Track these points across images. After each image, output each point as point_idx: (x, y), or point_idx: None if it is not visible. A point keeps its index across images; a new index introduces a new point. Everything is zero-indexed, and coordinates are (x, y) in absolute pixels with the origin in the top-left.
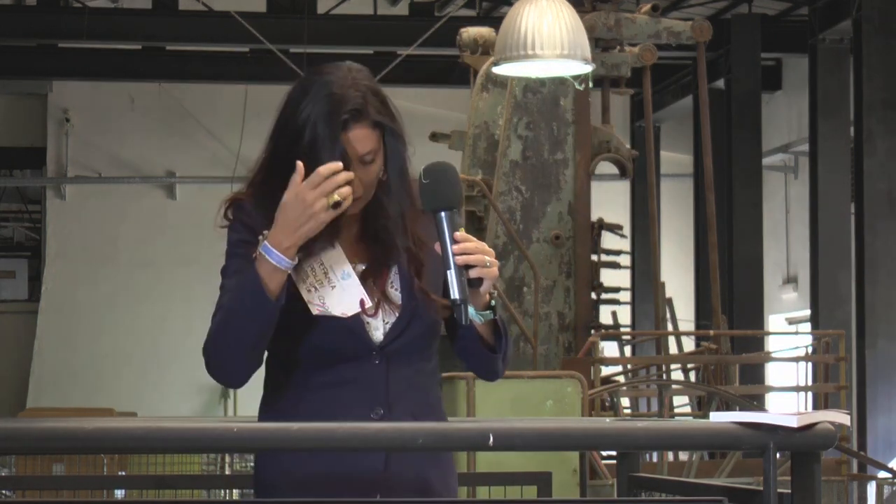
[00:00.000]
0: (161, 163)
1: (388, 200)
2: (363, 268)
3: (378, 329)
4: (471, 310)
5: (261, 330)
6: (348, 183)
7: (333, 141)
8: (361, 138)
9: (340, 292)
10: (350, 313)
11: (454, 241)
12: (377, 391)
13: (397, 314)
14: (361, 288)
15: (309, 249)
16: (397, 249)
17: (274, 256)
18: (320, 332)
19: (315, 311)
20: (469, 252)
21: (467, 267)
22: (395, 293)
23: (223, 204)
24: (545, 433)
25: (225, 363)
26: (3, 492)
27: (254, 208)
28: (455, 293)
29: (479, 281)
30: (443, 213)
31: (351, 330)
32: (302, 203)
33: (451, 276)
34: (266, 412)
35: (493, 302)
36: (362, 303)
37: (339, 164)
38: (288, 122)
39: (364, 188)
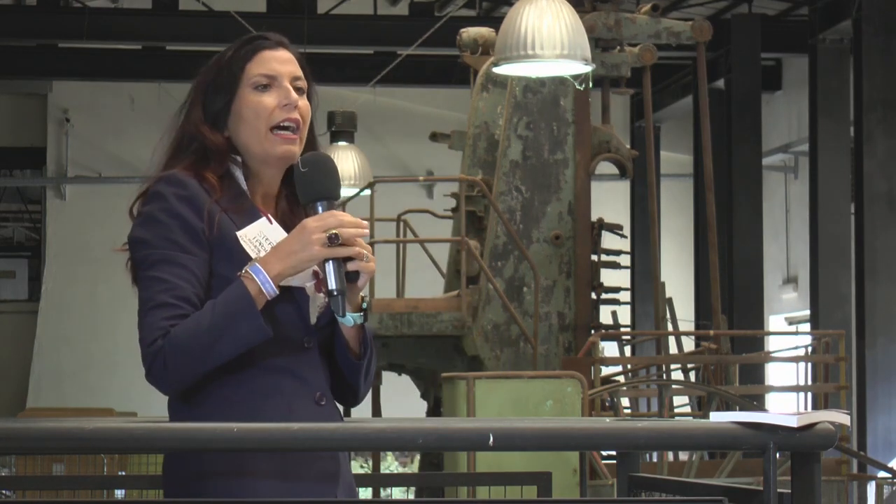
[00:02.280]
0: None
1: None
2: None
3: (312, 313)
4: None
5: (236, 351)
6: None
7: (254, 53)
8: (287, 60)
9: None
10: (309, 283)
11: None
12: (317, 376)
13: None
14: None
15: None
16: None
17: (261, 277)
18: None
19: None
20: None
21: (346, 259)
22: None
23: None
24: (545, 433)
25: (183, 374)
26: (3, 492)
27: (192, 178)
28: (332, 283)
29: (356, 275)
30: (319, 205)
31: (293, 305)
32: (302, 230)
33: (329, 267)
34: (201, 393)
35: (364, 305)
36: (315, 274)
37: (359, 220)
38: (214, 69)
39: (302, 118)
